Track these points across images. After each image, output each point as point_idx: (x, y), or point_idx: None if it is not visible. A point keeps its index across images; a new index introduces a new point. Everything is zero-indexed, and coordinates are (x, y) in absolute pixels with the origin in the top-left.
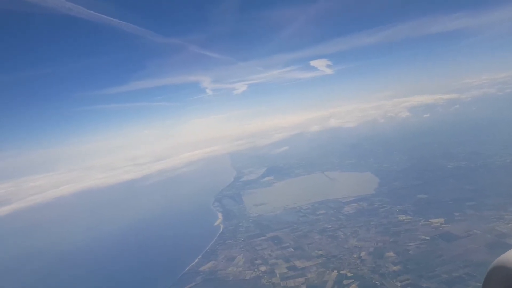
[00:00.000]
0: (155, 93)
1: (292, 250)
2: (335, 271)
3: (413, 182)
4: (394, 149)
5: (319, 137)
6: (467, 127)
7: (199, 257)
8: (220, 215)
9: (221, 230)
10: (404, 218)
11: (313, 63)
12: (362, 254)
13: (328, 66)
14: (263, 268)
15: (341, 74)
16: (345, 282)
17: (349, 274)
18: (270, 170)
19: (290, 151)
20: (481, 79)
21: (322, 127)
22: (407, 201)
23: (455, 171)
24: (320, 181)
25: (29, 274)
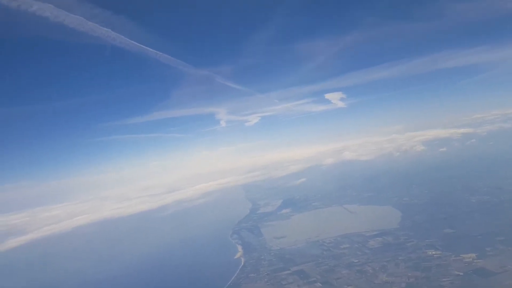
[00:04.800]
0: (170, 124)
1: (320, 285)
2: None
3: (437, 216)
4: (413, 182)
5: (334, 169)
6: (485, 162)
7: None
8: (240, 248)
9: (242, 263)
10: (433, 253)
11: (327, 96)
12: None
13: (341, 99)
14: None
15: (354, 107)
16: None
17: None
18: (287, 202)
19: (305, 183)
20: (492, 114)
21: (336, 159)
22: (433, 235)
23: (479, 205)
24: (340, 214)
25: None
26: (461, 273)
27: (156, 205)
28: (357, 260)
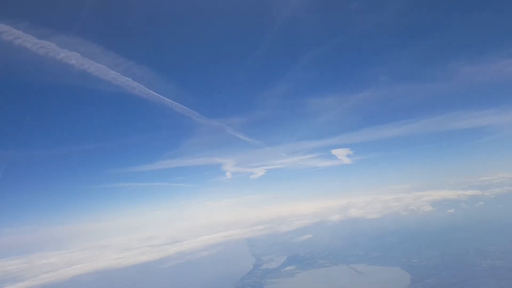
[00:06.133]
0: (175, 173)
1: None
2: None
3: (449, 280)
4: (422, 243)
5: (341, 226)
6: (495, 225)
7: None
8: None
9: None
10: None
11: (334, 152)
12: None
13: (348, 155)
14: None
15: (361, 164)
16: None
17: None
18: (291, 259)
19: (311, 239)
20: (498, 177)
21: (343, 216)
22: None
23: (492, 270)
24: (347, 274)
25: None
26: None
27: (157, 256)
28: None
